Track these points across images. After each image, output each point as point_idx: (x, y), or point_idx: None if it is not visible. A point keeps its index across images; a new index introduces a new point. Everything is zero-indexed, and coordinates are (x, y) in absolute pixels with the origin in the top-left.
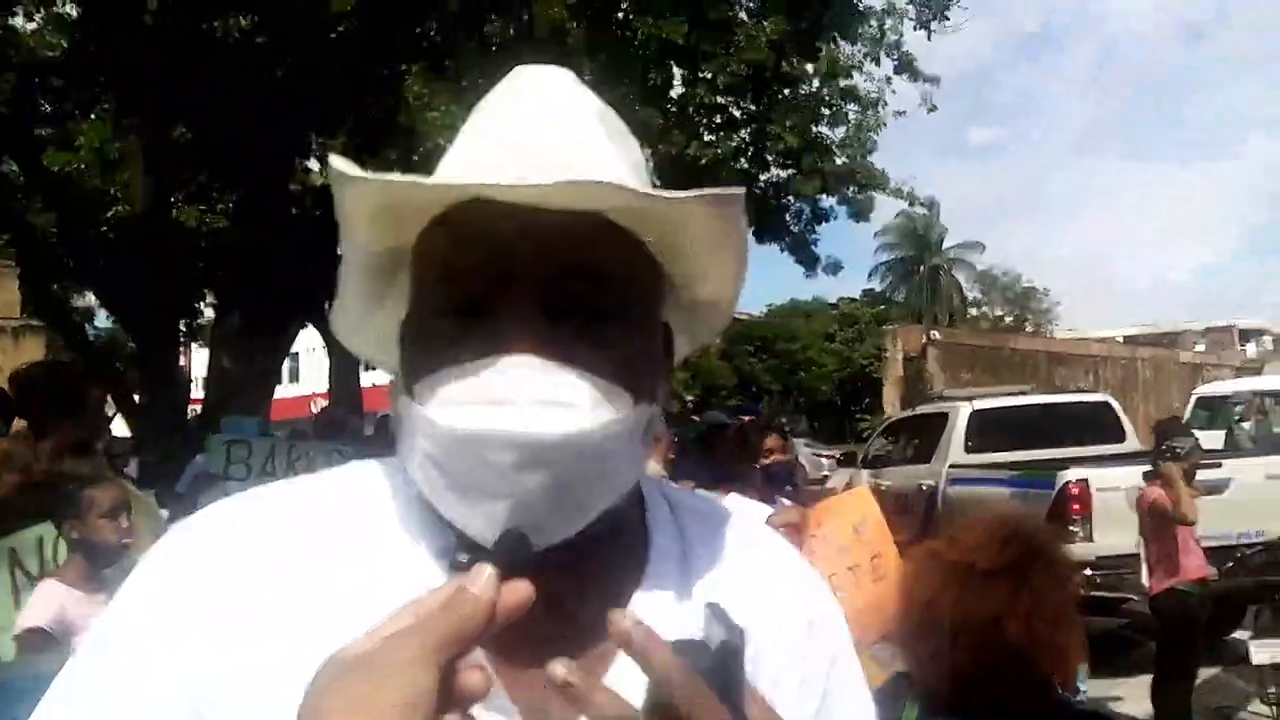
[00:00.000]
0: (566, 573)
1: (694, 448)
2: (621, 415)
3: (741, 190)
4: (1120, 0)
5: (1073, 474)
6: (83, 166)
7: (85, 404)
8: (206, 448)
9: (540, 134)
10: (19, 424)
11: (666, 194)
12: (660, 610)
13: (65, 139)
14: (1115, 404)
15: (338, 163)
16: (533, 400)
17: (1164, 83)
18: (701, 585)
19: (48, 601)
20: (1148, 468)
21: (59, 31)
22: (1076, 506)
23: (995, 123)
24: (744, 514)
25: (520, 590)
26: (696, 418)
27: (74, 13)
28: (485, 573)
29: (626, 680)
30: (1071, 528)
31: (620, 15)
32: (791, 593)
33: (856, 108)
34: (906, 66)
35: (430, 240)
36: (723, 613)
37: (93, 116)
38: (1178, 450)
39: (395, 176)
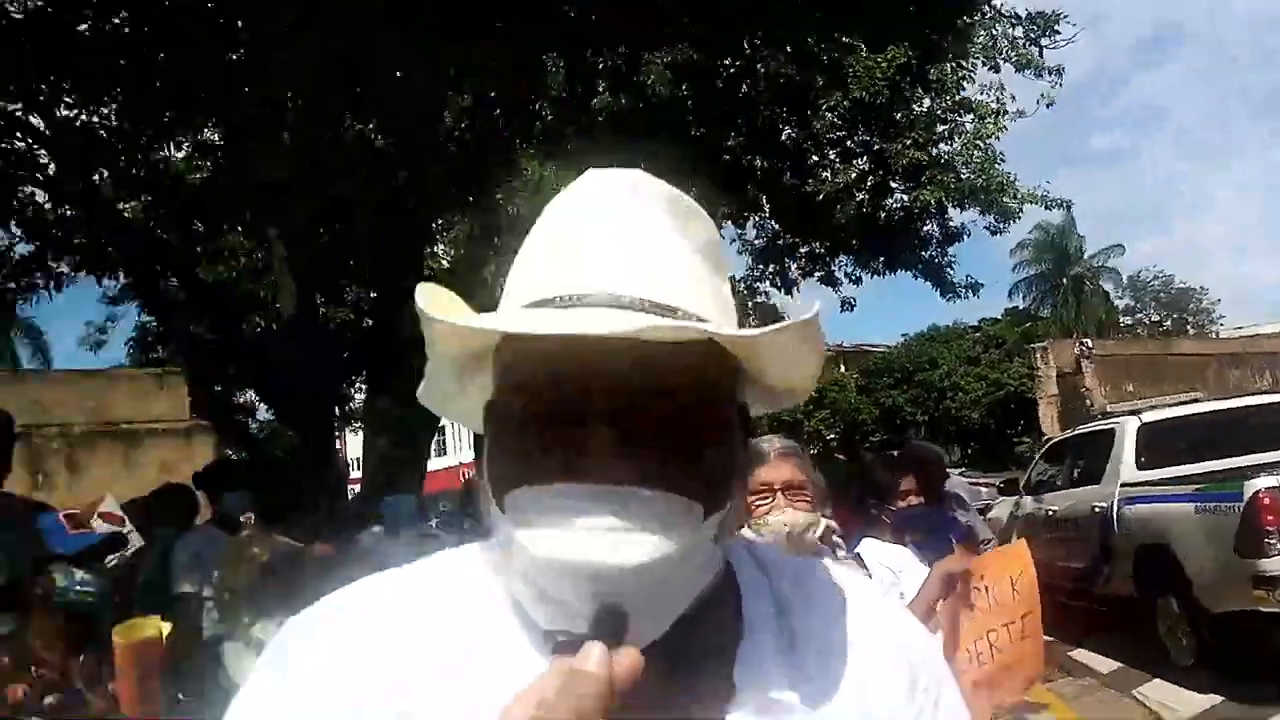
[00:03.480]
0: (663, 654)
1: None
2: (697, 535)
3: (818, 307)
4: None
5: (1261, 482)
6: (233, 275)
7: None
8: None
9: (614, 262)
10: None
11: (747, 333)
12: (764, 674)
13: (216, 251)
14: None
15: (421, 300)
16: (609, 527)
17: None
18: (802, 643)
19: None
20: None
21: (203, 156)
22: (1270, 517)
23: (1116, 127)
24: (837, 567)
25: (630, 658)
26: (841, 456)
27: (217, 138)
28: (596, 649)
29: None
30: (1267, 540)
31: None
32: (892, 642)
33: (973, 118)
34: (1027, 64)
35: (509, 348)
36: None
37: (239, 230)
38: None
39: (474, 320)
